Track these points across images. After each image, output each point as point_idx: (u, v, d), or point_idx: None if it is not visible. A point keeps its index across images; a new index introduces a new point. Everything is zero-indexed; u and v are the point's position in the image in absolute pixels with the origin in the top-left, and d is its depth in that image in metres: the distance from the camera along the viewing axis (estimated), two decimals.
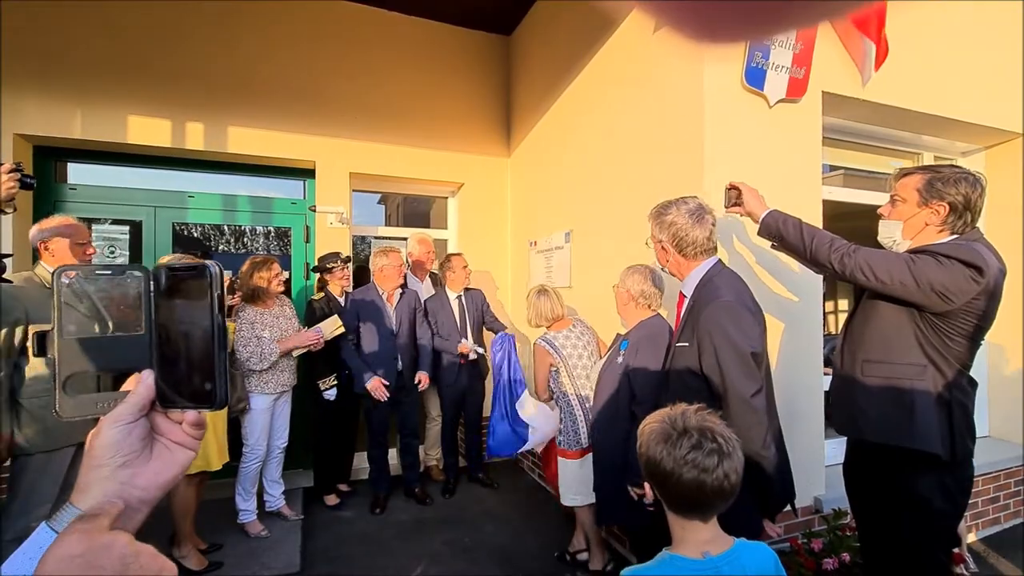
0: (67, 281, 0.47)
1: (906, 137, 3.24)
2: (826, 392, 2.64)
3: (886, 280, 1.52)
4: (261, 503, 3.20)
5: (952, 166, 1.62)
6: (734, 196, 1.91)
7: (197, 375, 0.48)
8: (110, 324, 0.48)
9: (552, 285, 2.95)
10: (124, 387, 0.49)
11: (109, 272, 0.49)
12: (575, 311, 3.23)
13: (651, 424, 1.11)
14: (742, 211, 1.90)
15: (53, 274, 0.47)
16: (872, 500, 1.71)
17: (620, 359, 2.17)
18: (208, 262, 0.47)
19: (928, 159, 3.43)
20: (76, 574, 0.37)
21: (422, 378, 3.49)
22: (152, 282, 0.48)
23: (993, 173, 3.41)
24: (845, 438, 1.88)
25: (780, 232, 1.72)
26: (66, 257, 2.24)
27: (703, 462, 1.01)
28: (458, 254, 3.84)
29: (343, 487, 3.69)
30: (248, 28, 3.66)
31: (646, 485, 1.09)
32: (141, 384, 0.48)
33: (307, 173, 4.04)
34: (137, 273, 0.48)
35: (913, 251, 1.57)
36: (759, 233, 1.83)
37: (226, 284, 2.63)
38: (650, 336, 2.14)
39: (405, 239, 4.34)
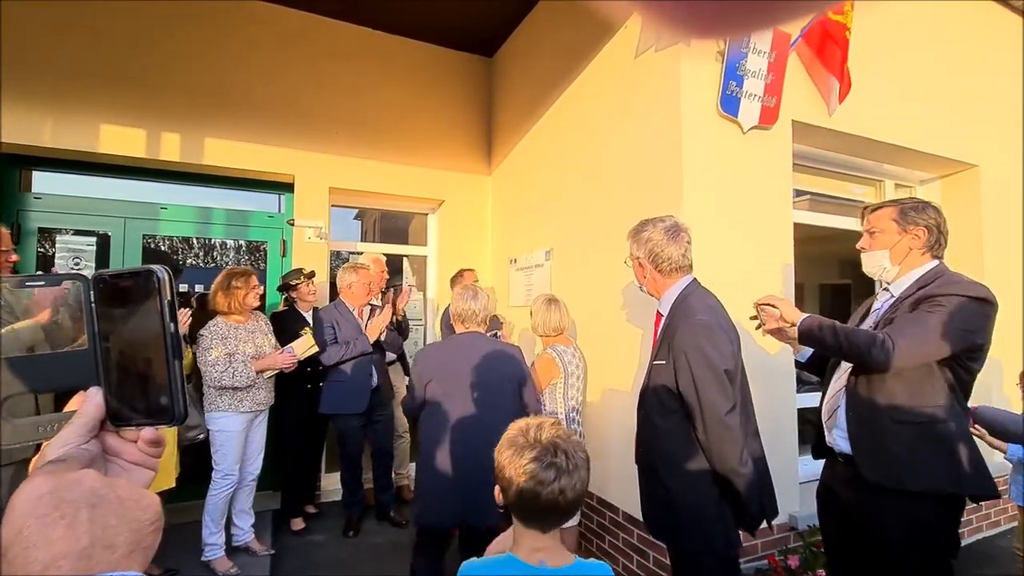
0: None
1: (869, 165, 3.41)
2: (800, 410, 2.71)
3: (931, 355, 1.53)
4: (228, 536, 2.93)
5: (912, 198, 1.73)
6: (764, 316, 1.83)
7: (152, 389, 0.44)
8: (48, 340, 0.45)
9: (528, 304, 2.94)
10: (68, 407, 0.45)
11: (43, 283, 0.45)
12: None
13: (509, 431, 1.15)
14: (779, 325, 1.79)
15: None
16: (858, 527, 1.70)
17: None
18: (155, 267, 0.43)
19: (889, 186, 3.61)
20: (47, 511, 0.35)
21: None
22: (93, 292, 0.44)
23: (948, 201, 3.60)
24: (818, 457, 1.92)
25: (816, 337, 1.66)
26: None
27: (540, 475, 1.04)
28: (471, 270, 3.83)
29: (311, 509, 3.58)
30: (230, 40, 3.64)
31: (496, 488, 1.12)
32: (88, 402, 0.43)
33: (284, 187, 3.99)
34: (75, 282, 0.45)
35: (930, 296, 1.58)
36: (799, 341, 1.75)
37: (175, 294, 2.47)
38: (439, 363, 2.15)
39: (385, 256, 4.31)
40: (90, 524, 0.36)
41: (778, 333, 1.83)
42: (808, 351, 1.92)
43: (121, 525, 0.38)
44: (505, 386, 2.14)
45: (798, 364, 1.99)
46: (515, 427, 1.14)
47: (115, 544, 0.37)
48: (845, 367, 1.76)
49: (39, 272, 3.42)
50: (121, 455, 0.45)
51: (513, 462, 1.07)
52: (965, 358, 1.55)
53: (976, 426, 2.00)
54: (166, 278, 0.43)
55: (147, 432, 0.45)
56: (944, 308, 1.52)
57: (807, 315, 1.71)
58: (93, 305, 0.44)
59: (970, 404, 1.97)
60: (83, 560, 0.35)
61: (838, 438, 1.73)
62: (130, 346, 0.44)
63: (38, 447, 0.44)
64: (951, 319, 1.50)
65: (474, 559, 1.13)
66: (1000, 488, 3.25)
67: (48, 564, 0.34)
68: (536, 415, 2.24)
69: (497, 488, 1.13)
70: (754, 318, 1.89)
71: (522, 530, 1.10)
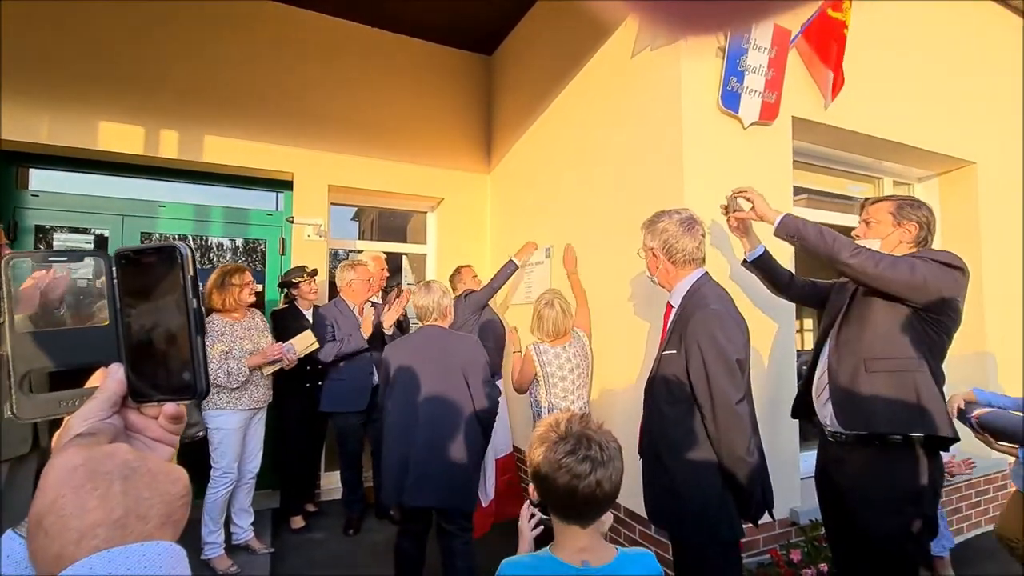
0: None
1: (867, 162, 3.42)
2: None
3: (899, 281, 1.64)
4: (227, 535, 2.91)
5: (909, 196, 1.87)
6: (736, 205, 1.99)
7: (174, 364, 0.44)
8: (69, 315, 0.45)
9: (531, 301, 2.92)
10: (89, 383, 0.45)
11: (65, 259, 0.46)
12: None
13: (539, 428, 1.14)
14: (748, 217, 1.95)
15: (1, 262, 0.43)
16: (848, 502, 1.76)
17: None
18: (177, 243, 0.44)
19: (887, 183, 3.63)
20: (81, 482, 0.36)
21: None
22: (116, 268, 0.44)
23: (946, 198, 3.63)
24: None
25: (800, 233, 1.79)
26: None
27: (576, 468, 1.03)
28: (468, 266, 3.84)
29: (311, 507, 3.56)
30: (229, 37, 3.63)
31: (531, 485, 1.12)
32: (110, 378, 0.44)
33: (283, 184, 3.98)
34: (97, 259, 0.45)
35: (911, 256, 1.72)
36: (775, 233, 1.87)
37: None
38: (400, 355, 2.36)
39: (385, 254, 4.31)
40: (123, 496, 0.37)
41: (739, 229, 2.02)
42: (758, 251, 2.07)
43: (153, 497, 0.38)
44: (455, 373, 2.33)
45: (744, 263, 2.13)
46: (544, 424, 1.13)
47: (148, 516, 0.37)
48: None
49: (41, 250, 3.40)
50: (143, 431, 0.46)
51: (547, 458, 1.05)
52: (932, 316, 1.66)
53: (984, 433, 2.01)
54: (189, 255, 0.44)
55: (168, 408, 0.46)
56: (919, 259, 1.68)
57: (786, 213, 1.86)
58: (115, 281, 0.44)
59: (975, 413, 2.01)
60: (117, 530, 0.35)
61: (827, 415, 1.82)
62: (152, 322, 0.44)
63: (36, 443, 0.44)
64: (925, 267, 1.64)
65: (513, 557, 1.12)
66: (1000, 483, 3.31)
67: (84, 532, 0.34)
68: (488, 398, 2.33)
69: (531, 487, 1.12)
70: (724, 207, 2.01)
71: (562, 527, 1.09)
